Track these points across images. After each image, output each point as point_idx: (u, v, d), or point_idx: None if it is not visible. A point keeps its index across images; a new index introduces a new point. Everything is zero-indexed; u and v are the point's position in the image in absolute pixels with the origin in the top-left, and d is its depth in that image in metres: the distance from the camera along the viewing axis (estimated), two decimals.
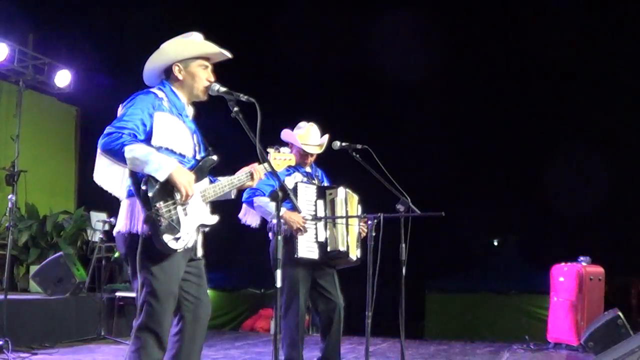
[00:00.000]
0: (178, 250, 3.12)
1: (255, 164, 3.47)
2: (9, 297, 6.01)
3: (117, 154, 3.03)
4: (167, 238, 3.05)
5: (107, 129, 3.09)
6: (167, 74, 3.37)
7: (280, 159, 3.66)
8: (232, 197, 3.56)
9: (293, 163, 3.87)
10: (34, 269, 7.58)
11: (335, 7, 10.32)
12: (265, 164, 3.45)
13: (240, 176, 3.45)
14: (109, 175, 3.12)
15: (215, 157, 3.34)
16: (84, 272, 7.53)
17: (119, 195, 3.18)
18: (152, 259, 3.10)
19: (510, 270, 11.25)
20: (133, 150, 3.02)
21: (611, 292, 7.67)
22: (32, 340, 6.26)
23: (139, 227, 3.09)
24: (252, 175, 3.45)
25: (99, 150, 3.10)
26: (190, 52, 3.34)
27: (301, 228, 4.56)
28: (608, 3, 9.70)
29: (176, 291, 3.18)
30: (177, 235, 3.10)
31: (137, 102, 3.19)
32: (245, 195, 4.64)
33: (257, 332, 9.92)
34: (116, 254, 7.70)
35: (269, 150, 3.59)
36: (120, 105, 3.24)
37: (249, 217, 4.76)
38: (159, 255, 3.10)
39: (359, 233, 4.83)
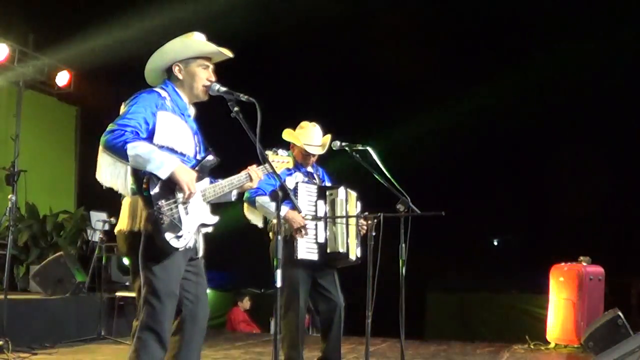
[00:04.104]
0: (179, 249, 3.12)
1: (254, 166, 3.48)
2: (9, 297, 6.00)
3: (119, 152, 3.03)
4: (168, 236, 3.06)
5: (110, 126, 3.09)
6: (169, 74, 3.38)
7: (278, 161, 3.66)
8: (233, 199, 3.56)
9: (291, 166, 3.86)
10: (34, 269, 7.57)
11: (336, 6, 10.31)
12: (266, 165, 3.46)
13: (240, 177, 3.45)
14: (113, 173, 3.11)
15: (215, 158, 3.35)
16: (84, 274, 7.51)
17: (123, 192, 3.17)
18: (153, 257, 3.10)
19: (510, 270, 11.25)
20: (135, 148, 3.02)
21: (611, 292, 7.67)
22: (32, 340, 6.24)
23: (141, 225, 3.10)
24: (250, 176, 3.46)
25: (100, 148, 3.09)
26: (190, 52, 3.34)
27: (302, 228, 4.56)
28: (609, 5, 9.70)
29: (177, 290, 3.17)
30: (179, 234, 3.10)
31: (141, 100, 3.19)
32: (247, 194, 4.63)
33: (257, 332, 9.93)
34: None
35: (267, 152, 3.58)
36: (123, 103, 3.24)
37: (251, 216, 4.75)
38: (161, 254, 3.10)
39: (359, 232, 4.82)
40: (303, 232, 4.57)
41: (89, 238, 8.63)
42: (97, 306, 7.16)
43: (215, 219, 3.33)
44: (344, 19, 10.45)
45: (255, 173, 3.47)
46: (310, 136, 4.81)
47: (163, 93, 3.28)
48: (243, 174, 3.46)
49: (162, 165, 3.05)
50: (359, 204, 4.87)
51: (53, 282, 7.09)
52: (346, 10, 10.47)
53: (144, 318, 3.10)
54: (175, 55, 3.33)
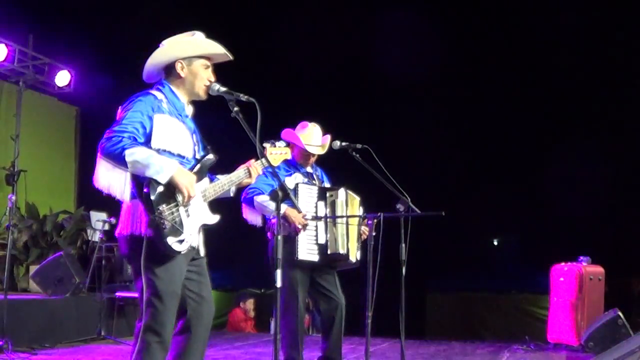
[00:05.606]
0: (182, 252, 3.12)
1: (252, 160, 3.49)
2: (9, 297, 6.00)
3: (117, 158, 3.01)
4: (171, 241, 3.06)
5: (107, 133, 3.07)
6: (168, 71, 3.34)
7: (277, 153, 3.66)
8: (231, 195, 3.56)
9: (289, 157, 3.86)
10: (34, 269, 7.57)
11: (336, 6, 10.31)
12: (263, 160, 3.46)
13: (239, 173, 3.46)
14: (112, 179, 3.08)
15: (213, 156, 3.34)
16: (83, 274, 7.51)
17: (122, 198, 3.14)
18: (155, 260, 3.10)
19: (510, 270, 11.26)
20: (134, 154, 3.01)
21: (611, 292, 7.66)
22: (32, 340, 6.25)
23: (142, 229, 3.09)
24: (249, 172, 3.46)
25: (99, 155, 3.08)
26: (194, 51, 3.32)
27: (301, 226, 4.55)
28: (609, 2, 9.70)
29: (179, 292, 3.18)
30: (181, 237, 3.10)
31: (137, 104, 3.17)
32: (244, 195, 4.63)
33: (257, 332, 9.92)
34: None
35: (265, 145, 3.58)
36: (120, 107, 3.22)
37: (250, 216, 4.75)
38: (163, 257, 3.10)
39: (360, 234, 4.82)
40: (300, 228, 4.55)
41: (89, 238, 8.62)
42: (97, 306, 7.16)
43: (216, 218, 3.33)
44: (344, 17, 10.45)
45: (255, 169, 3.48)
46: (311, 136, 4.80)
47: (159, 95, 3.26)
48: (242, 170, 3.47)
49: (161, 170, 3.04)
50: (361, 208, 4.86)
51: (53, 282, 7.09)
52: (346, 9, 10.47)
53: (147, 320, 3.10)
54: (180, 52, 3.30)
